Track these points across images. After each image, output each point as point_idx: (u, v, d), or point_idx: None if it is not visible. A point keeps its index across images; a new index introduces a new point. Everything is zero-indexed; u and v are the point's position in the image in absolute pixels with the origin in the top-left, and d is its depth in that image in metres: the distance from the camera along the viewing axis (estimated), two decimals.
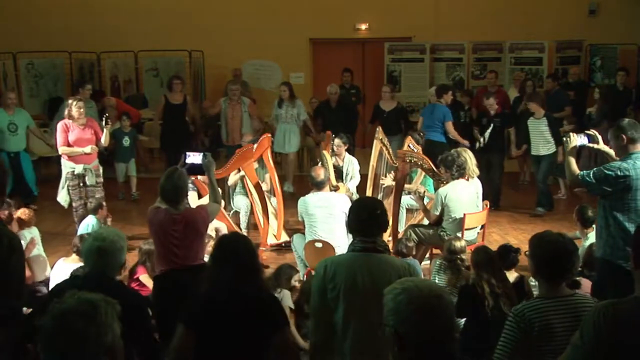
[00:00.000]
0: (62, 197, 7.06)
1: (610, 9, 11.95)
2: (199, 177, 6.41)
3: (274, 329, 2.95)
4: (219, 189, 4.61)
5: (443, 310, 1.99)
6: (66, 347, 1.85)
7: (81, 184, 6.97)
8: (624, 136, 4.13)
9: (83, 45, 11.40)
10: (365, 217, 3.07)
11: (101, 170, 7.19)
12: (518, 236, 7.24)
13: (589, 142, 4.46)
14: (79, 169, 6.90)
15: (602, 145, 4.46)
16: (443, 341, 1.99)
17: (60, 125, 6.91)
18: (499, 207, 8.28)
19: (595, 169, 4.23)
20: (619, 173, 4.07)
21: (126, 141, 9.06)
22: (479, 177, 6.04)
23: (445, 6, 11.97)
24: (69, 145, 6.84)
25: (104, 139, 7.05)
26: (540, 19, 11.80)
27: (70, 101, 7.01)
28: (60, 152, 6.93)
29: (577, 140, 4.43)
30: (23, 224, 5.55)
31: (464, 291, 4.11)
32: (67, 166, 6.92)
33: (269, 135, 7.28)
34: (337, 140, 7.39)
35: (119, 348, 1.95)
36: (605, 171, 4.11)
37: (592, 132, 4.56)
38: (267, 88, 12.03)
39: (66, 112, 6.94)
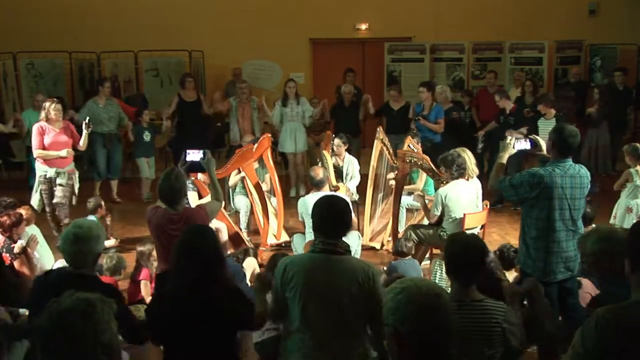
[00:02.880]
0: (35, 201, 6.87)
1: (610, 9, 11.95)
2: (200, 176, 6.40)
3: (240, 321, 3.00)
4: (219, 187, 4.61)
5: (443, 309, 2.00)
6: (64, 346, 1.85)
7: (53, 188, 6.83)
8: (554, 141, 4.02)
9: (83, 45, 11.39)
10: (329, 217, 3.04)
11: (76, 175, 7.07)
12: (518, 236, 7.23)
13: (531, 147, 4.34)
14: (50, 172, 6.78)
15: (545, 152, 4.33)
16: (443, 339, 2.00)
17: (36, 128, 6.78)
18: (517, 207, 8.30)
19: (516, 174, 4.14)
20: (532, 180, 3.96)
21: (147, 135, 8.99)
22: (480, 176, 6.04)
23: (445, 6, 11.97)
24: (44, 148, 6.72)
25: (83, 142, 6.98)
26: (540, 19, 11.80)
27: (47, 104, 6.88)
28: (35, 155, 6.81)
29: (518, 145, 4.33)
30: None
31: None
32: (40, 170, 6.80)
33: (269, 135, 7.28)
34: (337, 140, 7.39)
35: (116, 347, 1.96)
36: (522, 178, 4.01)
37: (534, 137, 4.48)
38: (267, 88, 12.02)
39: (43, 115, 6.80)
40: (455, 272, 2.87)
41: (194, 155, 4.50)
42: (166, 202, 4.14)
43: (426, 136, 8.19)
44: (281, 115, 9.02)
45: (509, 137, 4.49)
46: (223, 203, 5.32)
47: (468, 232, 5.61)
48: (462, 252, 2.87)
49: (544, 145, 4.33)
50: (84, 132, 6.96)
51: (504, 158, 4.33)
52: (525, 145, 4.34)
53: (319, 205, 3.13)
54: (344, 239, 5.59)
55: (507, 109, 8.33)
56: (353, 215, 5.75)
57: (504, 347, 2.79)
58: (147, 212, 4.24)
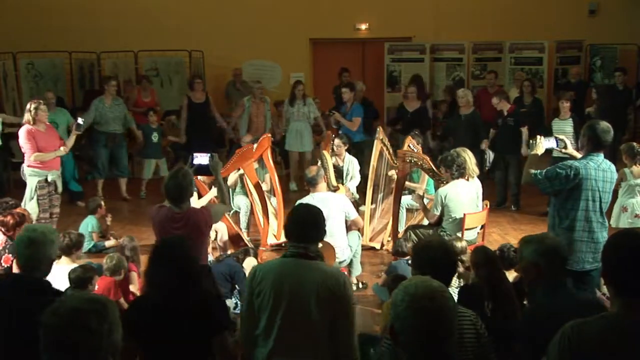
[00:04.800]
0: (32, 210, 6.40)
1: (610, 9, 11.95)
2: (201, 177, 6.40)
3: (214, 330, 2.95)
4: (226, 190, 4.62)
5: (435, 313, 1.98)
6: (79, 345, 1.86)
7: (52, 192, 6.68)
8: (589, 137, 4.21)
9: (83, 45, 11.39)
10: (299, 222, 3.06)
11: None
12: (518, 236, 7.22)
13: (557, 146, 4.55)
14: (51, 175, 6.60)
15: (570, 150, 4.57)
16: (436, 342, 1.99)
17: (25, 132, 6.50)
18: (519, 208, 8.34)
19: (549, 167, 4.30)
20: (569, 172, 4.13)
21: (155, 137, 9.15)
22: (490, 176, 6.05)
23: (445, 6, 11.96)
24: (38, 151, 6.48)
25: (70, 142, 6.89)
26: (540, 19, 11.78)
27: (34, 105, 6.60)
28: (33, 159, 6.50)
29: (545, 143, 4.51)
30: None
31: (463, 291, 4.12)
32: (37, 175, 6.52)
33: (269, 135, 7.30)
34: (337, 141, 7.40)
35: (119, 347, 1.98)
36: (558, 170, 4.18)
37: (561, 136, 4.68)
38: (267, 88, 11.99)
39: (29, 117, 6.53)
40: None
41: (201, 158, 4.53)
42: (171, 200, 4.17)
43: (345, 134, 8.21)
44: (289, 115, 9.25)
45: (538, 137, 4.61)
46: (229, 206, 5.32)
47: (468, 232, 5.64)
48: (437, 256, 2.84)
49: (569, 143, 4.56)
50: (73, 133, 6.91)
51: (536, 156, 4.47)
52: (552, 143, 4.54)
53: (291, 212, 3.19)
54: (344, 238, 5.61)
55: (504, 110, 8.30)
56: (354, 214, 5.75)
57: (477, 354, 2.76)
58: (151, 210, 4.27)
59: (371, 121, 9.48)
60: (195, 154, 4.57)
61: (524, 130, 8.17)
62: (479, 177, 6.04)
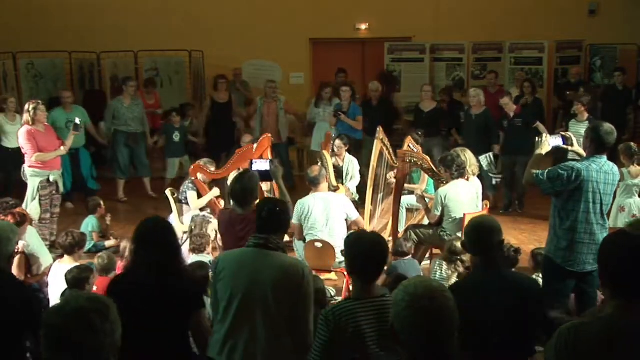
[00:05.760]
0: (35, 210, 6.50)
1: (610, 9, 11.95)
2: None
3: (191, 310, 3.09)
4: (287, 194, 4.59)
5: (435, 313, 1.98)
6: (82, 345, 1.86)
7: (54, 192, 6.71)
8: (592, 139, 4.21)
9: (83, 45, 11.39)
10: (264, 214, 3.16)
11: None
12: (518, 236, 7.24)
13: (564, 143, 4.53)
14: (53, 175, 6.62)
15: (576, 147, 4.55)
16: (436, 342, 1.99)
17: (25, 133, 6.52)
18: (523, 209, 8.35)
19: (550, 168, 4.29)
20: (571, 173, 4.12)
21: (176, 136, 9.26)
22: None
23: (445, 6, 11.96)
24: (39, 151, 6.49)
25: (69, 142, 6.92)
26: (540, 19, 11.79)
27: (32, 105, 6.60)
28: (34, 160, 6.52)
29: (552, 141, 4.50)
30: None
31: None
32: (39, 175, 6.55)
33: (269, 135, 7.28)
34: (337, 142, 7.41)
35: (119, 346, 1.99)
36: (559, 170, 4.18)
37: (568, 134, 4.65)
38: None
39: (28, 118, 6.53)
40: (359, 270, 2.89)
41: (260, 164, 4.53)
42: (236, 202, 4.27)
43: (347, 133, 8.18)
44: (314, 115, 9.35)
45: (544, 135, 4.60)
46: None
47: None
48: (367, 250, 2.89)
49: (575, 141, 4.55)
50: (71, 133, 6.90)
51: (542, 154, 4.47)
52: (558, 141, 4.52)
53: (259, 205, 3.33)
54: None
55: (510, 112, 8.28)
56: (355, 214, 5.74)
57: None
58: (220, 213, 4.46)
59: (392, 121, 9.54)
60: (254, 160, 4.61)
61: (540, 126, 8.04)
62: (479, 177, 6.05)
